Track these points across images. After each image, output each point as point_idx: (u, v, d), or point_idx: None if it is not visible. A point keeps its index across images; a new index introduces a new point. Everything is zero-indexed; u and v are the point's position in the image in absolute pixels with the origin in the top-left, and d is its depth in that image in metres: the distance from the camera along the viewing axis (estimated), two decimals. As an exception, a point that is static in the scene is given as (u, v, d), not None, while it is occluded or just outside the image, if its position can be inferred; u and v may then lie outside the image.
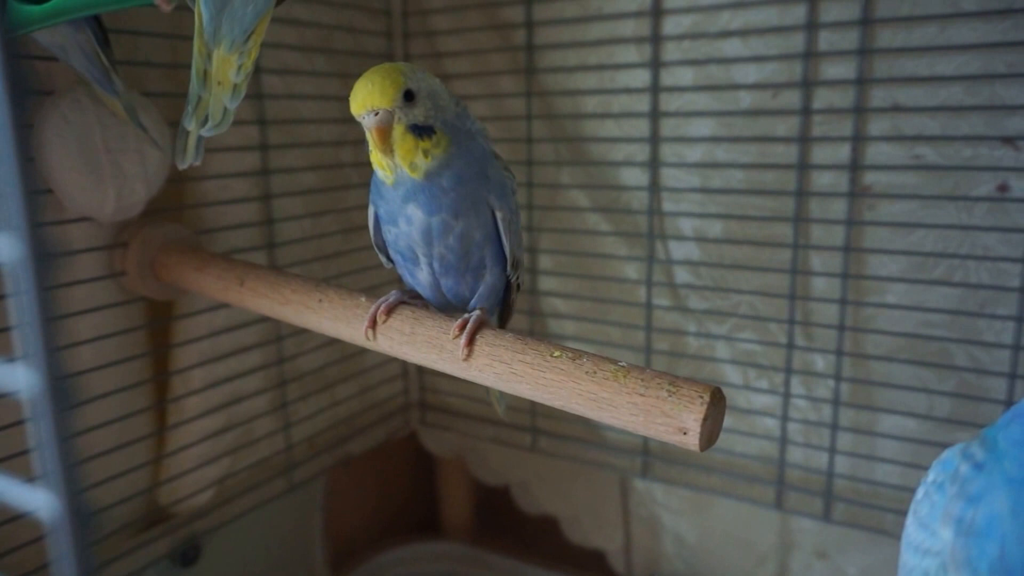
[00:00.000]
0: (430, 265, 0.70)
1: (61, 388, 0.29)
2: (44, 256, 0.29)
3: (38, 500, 0.30)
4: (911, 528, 0.52)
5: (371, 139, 0.64)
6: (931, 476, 0.52)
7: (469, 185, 0.67)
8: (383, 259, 0.77)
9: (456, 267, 0.70)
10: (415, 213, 0.67)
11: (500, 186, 0.70)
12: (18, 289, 0.29)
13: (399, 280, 1.32)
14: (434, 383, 1.39)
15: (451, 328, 0.68)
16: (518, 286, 0.77)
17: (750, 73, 0.99)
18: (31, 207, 0.28)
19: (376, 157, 0.66)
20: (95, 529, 0.86)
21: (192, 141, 0.72)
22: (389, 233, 0.71)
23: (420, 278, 0.72)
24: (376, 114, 0.63)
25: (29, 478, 0.33)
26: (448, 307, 0.74)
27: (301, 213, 1.13)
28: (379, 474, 1.45)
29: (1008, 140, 0.87)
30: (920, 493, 0.53)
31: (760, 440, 1.09)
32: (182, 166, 0.74)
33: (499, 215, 0.69)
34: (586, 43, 1.09)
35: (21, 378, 0.30)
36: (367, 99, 0.63)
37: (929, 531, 0.49)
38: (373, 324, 0.72)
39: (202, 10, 0.63)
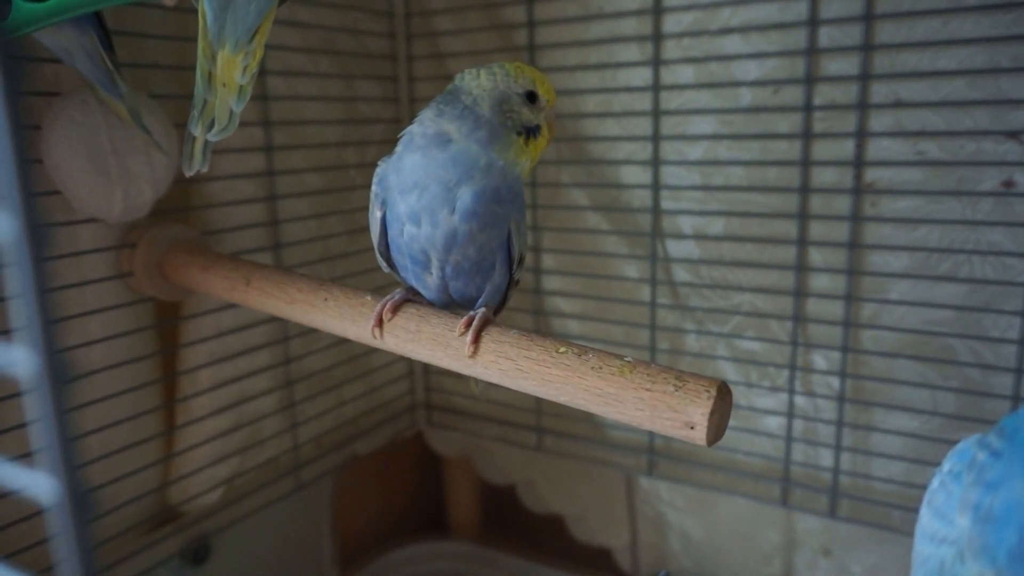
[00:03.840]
0: (442, 270, 0.69)
1: (59, 369, 0.29)
2: (39, 235, 0.29)
3: (37, 482, 0.31)
4: (926, 518, 0.52)
5: (549, 128, 0.70)
6: (947, 466, 0.52)
7: (509, 199, 0.68)
8: (382, 263, 0.76)
9: (468, 272, 0.70)
10: (446, 217, 0.66)
11: (519, 194, 0.70)
12: (14, 269, 0.30)
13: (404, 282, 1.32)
14: (440, 383, 1.40)
15: (456, 325, 0.68)
16: (516, 282, 0.77)
17: (751, 70, 0.99)
18: (25, 185, 0.28)
19: (538, 148, 0.69)
20: (94, 510, 0.86)
21: (199, 146, 0.72)
22: (404, 234, 0.69)
23: (428, 281, 0.72)
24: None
25: (29, 462, 0.34)
26: (452, 306, 0.74)
27: (307, 214, 1.14)
28: (386, 474, 1.45)
29: (1013, 135, 0.87)
30: (935, 483, 0.53)
31: (765, 438, 1.09)
32: (189, 172, 0.73)
33: (513, 220, 0.69)
34: (587, 42, 1.10)
35: (19, 359, 0.30)
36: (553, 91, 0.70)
37: (945, 520, 0.49)
38: (380, 323, 0.72)
39: (206, 9, 0.63)
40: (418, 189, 0.66)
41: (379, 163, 0.71)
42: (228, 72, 0.68)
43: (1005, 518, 0.45)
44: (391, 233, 0.71)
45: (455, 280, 0.71)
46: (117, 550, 0.94)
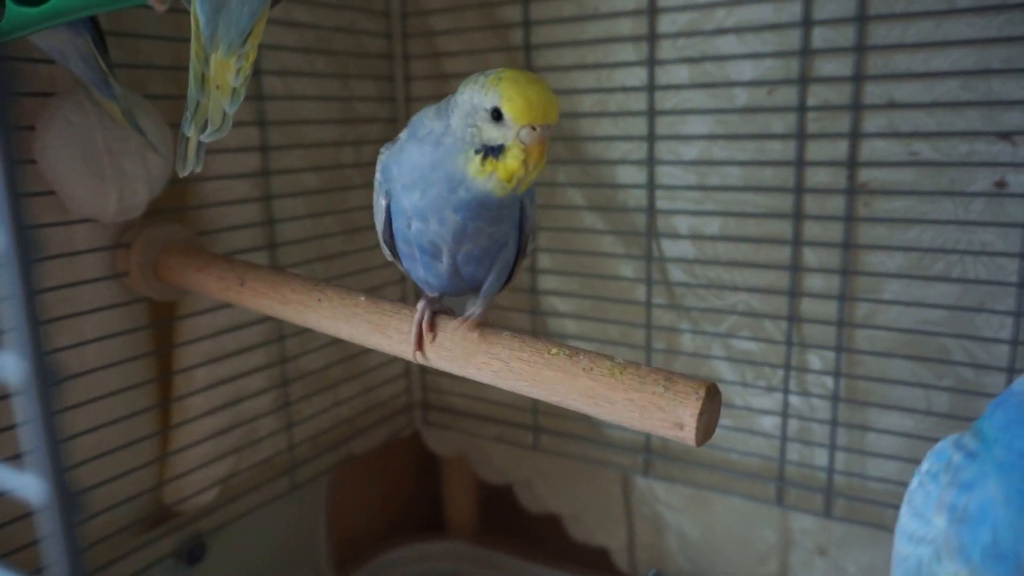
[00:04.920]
0: (453, 258, 0.67)
1: (46, 373, 0.29)
2: (27, 238, 0.29)
3: (26, 483, 0.31)
4: (905, 517, 0.53)
5: (528, 153, 0.59)
6: (925, 466, 0.53)
7: (510, 200, 0.65)
8: (387, 253, 0.74)
9: (479, 258, 0.68)
10: (452, 217, 0.64)
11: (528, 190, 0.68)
12: (1, 274, 0.30)
13: (401, 280, 1.33)
14: (436, 383, 1.40)
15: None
16: (527, 254, 0.75)
17: (746, 70, 0.99)
18: (13, 188, 0.28)
19: (509, 170, 0.60)
20: (82, 510, 0.86)
21: (192, 147, 0.73)
22: (411, 228, 0.67)
23: (439, 269, 0.69)
24: (549, 127, 0.59)
25: (17, 463, 0.34)
26: (461, 289, 0.73)
27: (302, 214, 1.14)
28: (383, 473, 1.46)
29: (1005, 136, 0.87)
30: (914, 483, 0.53)
31: (760, 437, 1.09)
32: (183, 173, 0.74)
33: (527, 207, 0.69)
34: (583, 42, 1.10)
35: (6, 363, 0.30)
36: (550, 110, 0.59)
37: (923, 520, 0.50)
38: (420, 343, 0.70)
39: (198, 13, 0.63)
40: (419, 188, 0.64)
41: (382, 150, 0.69)
42: (221, 74, 0.68)
43: (979, 518, 0.45)
44: (396, 224, 0.69)
45: (466, 266, 0.69)
46: (112, 550, 0.94)
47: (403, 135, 0.67)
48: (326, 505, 1.30)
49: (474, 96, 0.60)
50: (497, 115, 0.59)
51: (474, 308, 0.69)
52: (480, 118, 0.60)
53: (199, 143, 0.72)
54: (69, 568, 0.30)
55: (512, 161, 0.59)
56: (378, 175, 0.69)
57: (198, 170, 0.74)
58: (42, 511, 0.33)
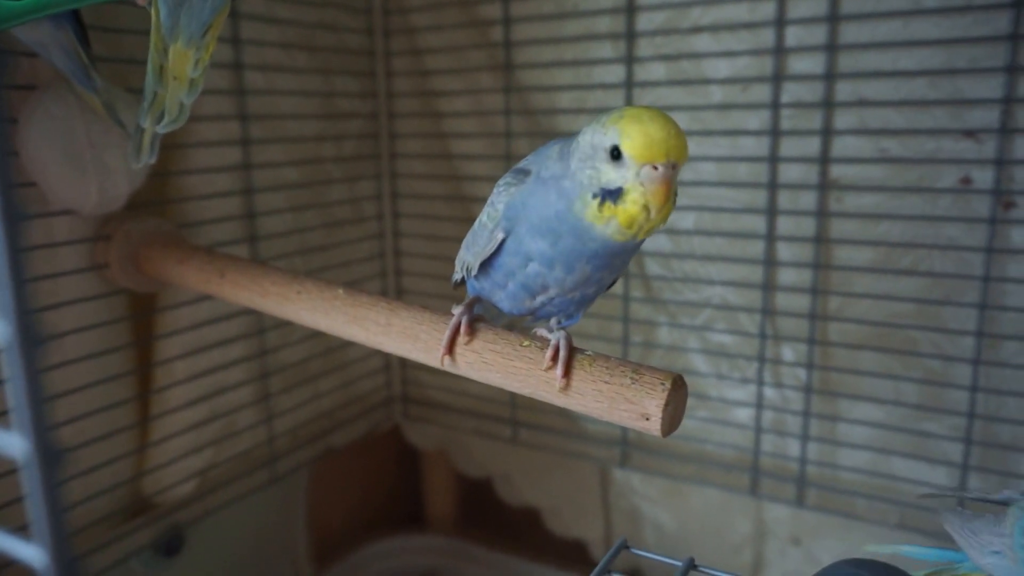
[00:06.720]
0: (551, 299, 0.65)
1: (30, 331, 0.30)
2: (10, 195, 0.30)
3: (9, 441, 0.32)
4: None
5: (649, 196, 0.54)
6: None
7: (632, 246, 0.62)
8: (466, 272, 0.70)
9: (576, 300, 0.66)
10: (583, 267, 0.61)
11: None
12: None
13: (381, 275, 1.33)
14: (417, 377, 1.41)
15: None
16: None
17: (721, 68, 1.01)
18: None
19: (629, 215, 0.55)
20: (64, 467, 0.86)
21: (147, 139, 0.73)
22: (526, 268, 0.63)
23: (525, 303, 0.66)
24: (674, 167, 0.54)
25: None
26: (526, 315, 0.70)
27: (283, 207, 1.15)
28: (362, 467, 1.46)
29: (970, 133, 0.90)
30: None
31: (735, 428, 1.11)
32: (136, 165, 0.74)
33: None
34: (562, 39, 1.11)
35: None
36: (674, 146, 0.54)
37: None
38: (450, 350, 0.66)
39: (159, 6, 0.64)
40: (550, 238, 0.60)
41: (509, 182, 0.64)
42: (180, 65, 0.69)
43: None
44: (505, 259, 0.65)
45: (558, 304, 0.67)
46: (90, 540, 0.95)
47: (532, 169, 0.63)
48: (305, 498, 1.30)
49: (594, 135, 0.56)
50: (616, 154, 0.55)
51: (554, 339, 0.63)
52: (599, 159, 0.56)
53: (154, 134, 0.72)
54: (51, 524, 0.31)
55: (632, 206, 0.55)
56: (500, 207, 0.64)
57: (152, 162, 0.74)
58: (25, 468, 0.34)
